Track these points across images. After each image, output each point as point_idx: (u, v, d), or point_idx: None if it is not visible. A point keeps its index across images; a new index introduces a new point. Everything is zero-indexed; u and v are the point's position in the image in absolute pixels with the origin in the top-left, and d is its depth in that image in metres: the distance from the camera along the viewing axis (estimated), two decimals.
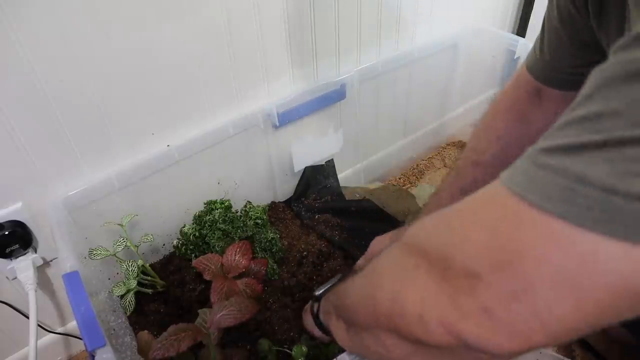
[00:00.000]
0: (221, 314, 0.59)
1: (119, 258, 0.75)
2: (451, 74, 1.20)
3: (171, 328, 0.58)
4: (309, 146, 0.99)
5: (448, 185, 0.68)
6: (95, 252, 0.72)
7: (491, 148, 0.64)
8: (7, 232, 0.69)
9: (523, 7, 1.28)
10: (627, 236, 0.23)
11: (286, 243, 0.91)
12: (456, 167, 0.68)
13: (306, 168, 1.01)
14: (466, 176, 0.66)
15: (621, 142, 0.23)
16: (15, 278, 0.72)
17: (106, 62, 0.67)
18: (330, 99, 0.95)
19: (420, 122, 1.25)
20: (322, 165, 1.03)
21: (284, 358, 0.73)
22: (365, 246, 0.71)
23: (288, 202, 1.03)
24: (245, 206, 0.89)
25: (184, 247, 0.84)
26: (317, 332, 0.59)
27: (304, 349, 0.68)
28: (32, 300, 0.70)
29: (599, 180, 0.24)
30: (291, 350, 0.70)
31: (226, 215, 0.83)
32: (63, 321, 0.87)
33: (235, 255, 0.69)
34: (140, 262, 0.77)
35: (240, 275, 0.68)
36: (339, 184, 1.04)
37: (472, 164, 0.66)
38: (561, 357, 0.70)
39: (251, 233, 0.84)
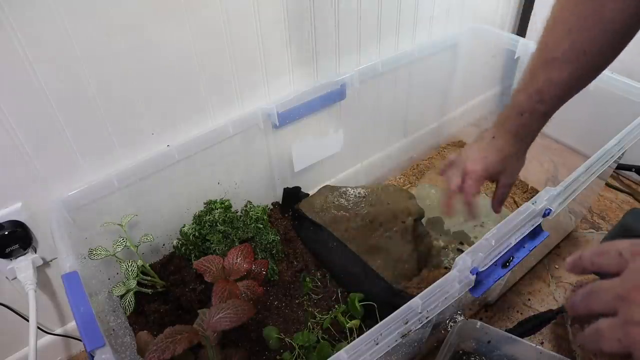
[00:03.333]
0: (218, 316, 0.59)
1: (118, 258, 0.75)
2: (451, 74, 1.20)
3: (168, 330, 0.58)
4: (309, 146, 0.99)
5: (523, 88, 0.64)
6: (95, 252, 0.72)
7: (562, 44, 0.59)
8: (7, 232, 0.68)
9: (523, 7, 1.28)
10: None
11: (285, 243, 0.91)
12: (528, 68, 0.64)
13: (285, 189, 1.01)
14: (539, 77, 0.62)
15: None
16: (15, 278, 0.72)
17: (106, 62, 0.67)
18: (330, 99, 0.95)
19: (420, 122, 1.24)
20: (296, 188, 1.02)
21: (288, 346, 0.75)
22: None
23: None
24: (246, 206, 0.89)
25: (183, 247, 0.84)
26: None
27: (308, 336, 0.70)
28: (31, 301, 0.70)
29: None
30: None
31: (226, 215, 0.83)
32: (63, 321, 0.87)
33: (237, 258, 0.69)
34: (140, 262, 0.77)
35: (241, 278, 0.68)
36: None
37: (543, 63, 0.61)
38: (561, 357, 0.69)
39: (252, 234, 0.84)
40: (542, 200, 0.65)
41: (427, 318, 0.54)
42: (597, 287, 0.37)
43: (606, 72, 0.90)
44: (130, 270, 0.75)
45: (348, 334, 0.75)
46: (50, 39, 0.60)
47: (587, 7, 0.57)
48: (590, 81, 0.64)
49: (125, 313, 0.75)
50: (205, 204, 0.87)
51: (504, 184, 0.71)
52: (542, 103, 0.62)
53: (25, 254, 0.73)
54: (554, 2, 0.62)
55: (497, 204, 0.73)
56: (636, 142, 0.76)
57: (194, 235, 0.83)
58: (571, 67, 0.60)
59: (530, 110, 0.63)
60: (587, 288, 0.37)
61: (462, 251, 0.61)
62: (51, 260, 0.78)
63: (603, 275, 0.38)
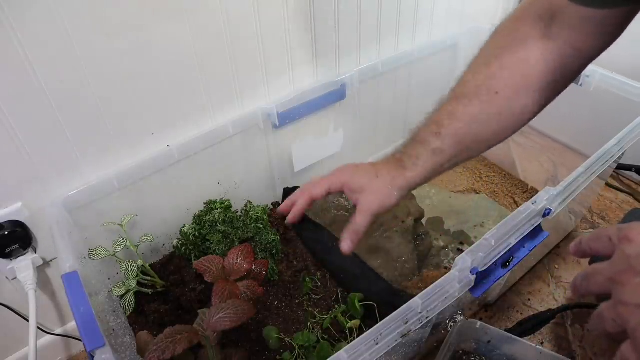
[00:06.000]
0: (218, 316, 0.59)
1: (118, 258, 0.75)
2: (451, 74, 1.19)
3: (168, 330, 0.58)
4: (309, 146, 0.99)
5: (426, 118, 0.59)
6: (95, 252, 0.72)
7: (477, 76, 0.55)
8: (7, 232, 0.68)
9: None
10: None
11: (285, 243, 0.91)
12: (439, 100, 0.59)
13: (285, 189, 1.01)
14: (443, 109, 0.57)
15: None
16: (15, 278, 0.72)
17: (106, 62, 0.67)
18: (330, 99, 0.95)
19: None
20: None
21: (288, 346, 0.75)
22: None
23: None
24: (246, 206, 0.89)
25: (183, 247, 0.84)
26: None
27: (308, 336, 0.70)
28: (32, 301, 0.70)
29: None
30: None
31: (226, 215, 0.83)
32: (63, 321, 0.87)
33: (237, 258, 0.69)
34: (140, 262, 0.77)
35: (241, 278, 0.68)
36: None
37: (453, 98, 0.56)
38: (561, 357, 0.70)
39: (252, 234, 0.84)
40: (542, 200, 0.65)
41: (427, 318, 0.54)
42: (592, 270, 0.39)
43: (606, 72, 0.91)
44: (130, 270, 0.75)
45: (348, 334, 0.75)
46: (50, 39, 0.60)
47: (515, 45, 0.54)
48: (501, 133, 0.57)
49: (125, 313, 0.75)
50: (205, 204, 0.87)
51: (362, 210, 0.56)
52: (437, 137, 0.55)
53: (25, 254, 0.73)
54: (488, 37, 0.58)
55: (347, 238, 0.56)
56: (636, 142, 0.76)
57: (194, 235, 0.83)
58: (479, 104, 0.54)
59: (421, 140, 0.56)
60: (584, 272, 0.39)
61: (462, 251, 0.61)
62: (51, 260, 0.78)
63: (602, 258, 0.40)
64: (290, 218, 0.61)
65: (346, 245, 0.57)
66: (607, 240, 0.39)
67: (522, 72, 0.53)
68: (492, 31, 0.58)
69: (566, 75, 0.55)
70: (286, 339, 0.75)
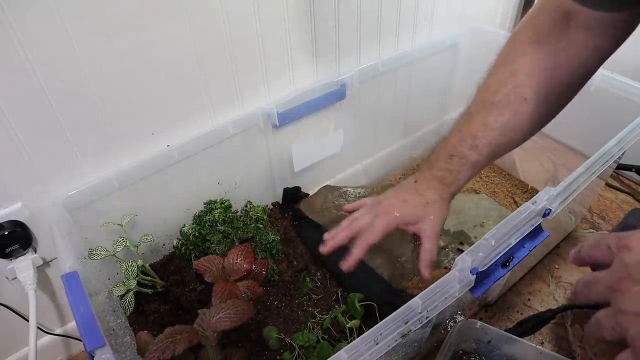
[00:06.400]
0: (218, 316, 0.59)
1: (118, 258, 0.75)
2: (451, 74, 1.19)
3: (168, 330, 0.58)
4: (309, 146, 0.99)
5: (457, 130, 0.61)
6: (94, 252, 0.72)
7: (505, 86, 0.57)
8: (7, 232, 0.68)
9: (523, 7, 1.28)
10: None
11: (285, 243, 0.91)
12: (465, 110, 0.61)
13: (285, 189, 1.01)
14: (474, 120, 0.59)
15: None
16: (15, 278, 0.72)
17: (106, 62, 0.67)
18: (330, 99, 0.95)
19: (420, 122, 1.24)
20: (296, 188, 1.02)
21: (288, 346, 0.75)
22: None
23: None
24: (246, 206, 0.89)
25: (183, 247, 0.84)
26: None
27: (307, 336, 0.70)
28: (32, 301, 0.70)
29: None
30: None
31: (226, 215, 0.83)
32: (63, 321, 0.87)
33: (237, 258, 0.69)
34: (140, 262, 0.77)
35: (241, 278, 0.68)
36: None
37: (481, 106, 0.59)
38: (561, 357, 0.69)
39: (252, 234, 0.84)
40: (542, 200, 0.65)
41: (427, 318, 0.54)
42: (593, 278, 0.39)
43: (606, 72, 0.91)
44: (130, 270, 0.75)
45: (348, 334, 0.75)
46: (50, 39, 0.60)
47: (537, 50, 0.55)
48: (527, 136, 0.60)
49: (125, 313, 0.75)
50: (205, 204, 0.87)
51: (429, 236, 0.61)
52: (475, 150, 0.58)
53: (25, 254, 0.73)
54: (503, 44, 0.60)
55: (425, 266, 0.61)
56: (636, 142, 0.76)
57: (194, 235, 0.83)
58: (508, 113, 0.57)
59: (460, 154, 0.59)
60: (585, 279, 0.40)
61: (462, 251, 0.61)
62: (51, 260, 0.78)
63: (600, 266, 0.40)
64: (346, 267, 0.63)
65: (428, 273, 0.60)
66: (606, 249, 0.39)
67: (547, 77, 0.55)
68: (506, 37, 0.60)
69: (584, 75, 0.56)
70: (286, 339, 0.75)
